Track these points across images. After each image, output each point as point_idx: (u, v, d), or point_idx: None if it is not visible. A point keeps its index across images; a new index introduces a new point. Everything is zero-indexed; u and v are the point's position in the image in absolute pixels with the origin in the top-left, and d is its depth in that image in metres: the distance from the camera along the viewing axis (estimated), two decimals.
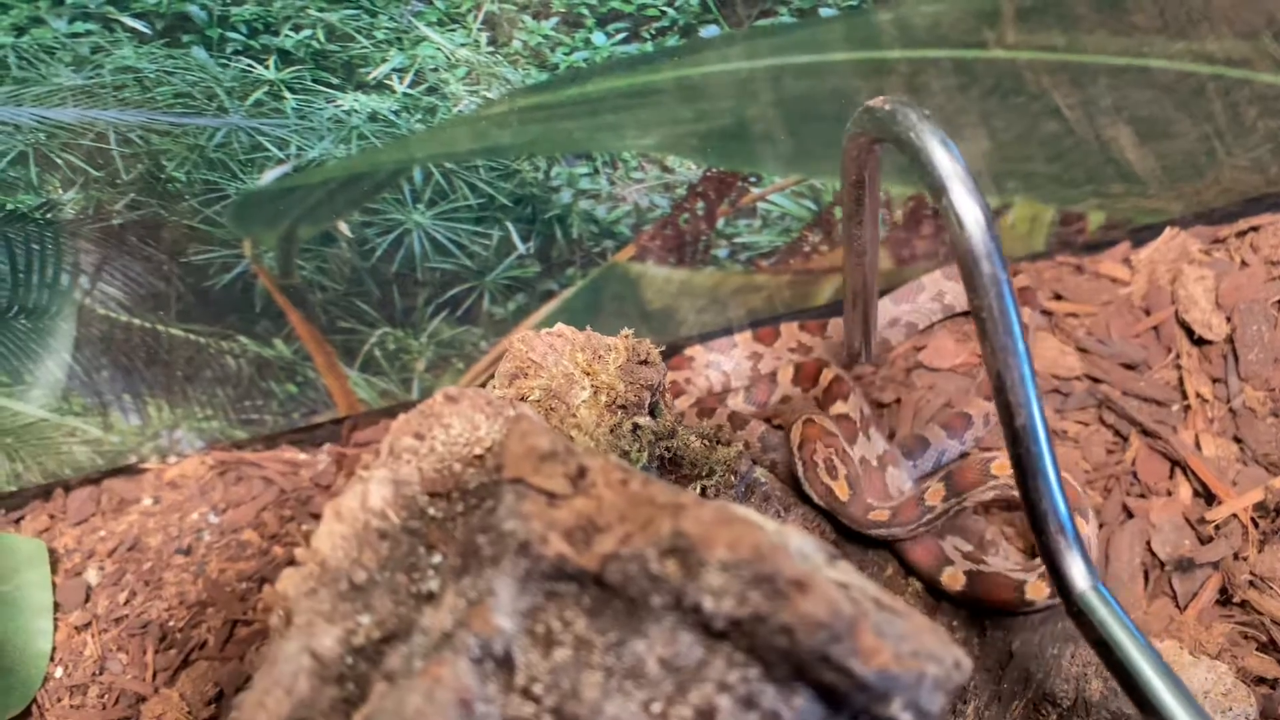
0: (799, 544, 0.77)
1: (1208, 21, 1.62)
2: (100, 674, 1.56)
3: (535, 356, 1.16)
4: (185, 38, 1.19)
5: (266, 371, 1.70)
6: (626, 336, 1.17)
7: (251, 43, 1.21)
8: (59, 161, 1.32)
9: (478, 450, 0.94)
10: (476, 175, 1.46)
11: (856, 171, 1.16)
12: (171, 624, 1.60)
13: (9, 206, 1.37)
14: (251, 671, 1.45)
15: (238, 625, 1.60)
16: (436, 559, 0.86)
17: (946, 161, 0.98)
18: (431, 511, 0.90)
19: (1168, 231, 1.73)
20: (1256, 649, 1.36)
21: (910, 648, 0.72)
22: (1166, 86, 1.67)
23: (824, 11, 1.35)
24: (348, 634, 0.82)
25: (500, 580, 0.75)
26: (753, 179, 1.57)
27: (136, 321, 1.59)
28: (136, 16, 1.15)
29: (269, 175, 1.40)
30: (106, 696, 1.54)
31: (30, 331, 1.58)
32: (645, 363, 1.17)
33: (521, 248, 1.59)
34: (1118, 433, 1.54)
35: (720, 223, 1.62)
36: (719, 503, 0.76)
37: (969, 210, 0.96)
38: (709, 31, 1.33)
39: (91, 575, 1.68)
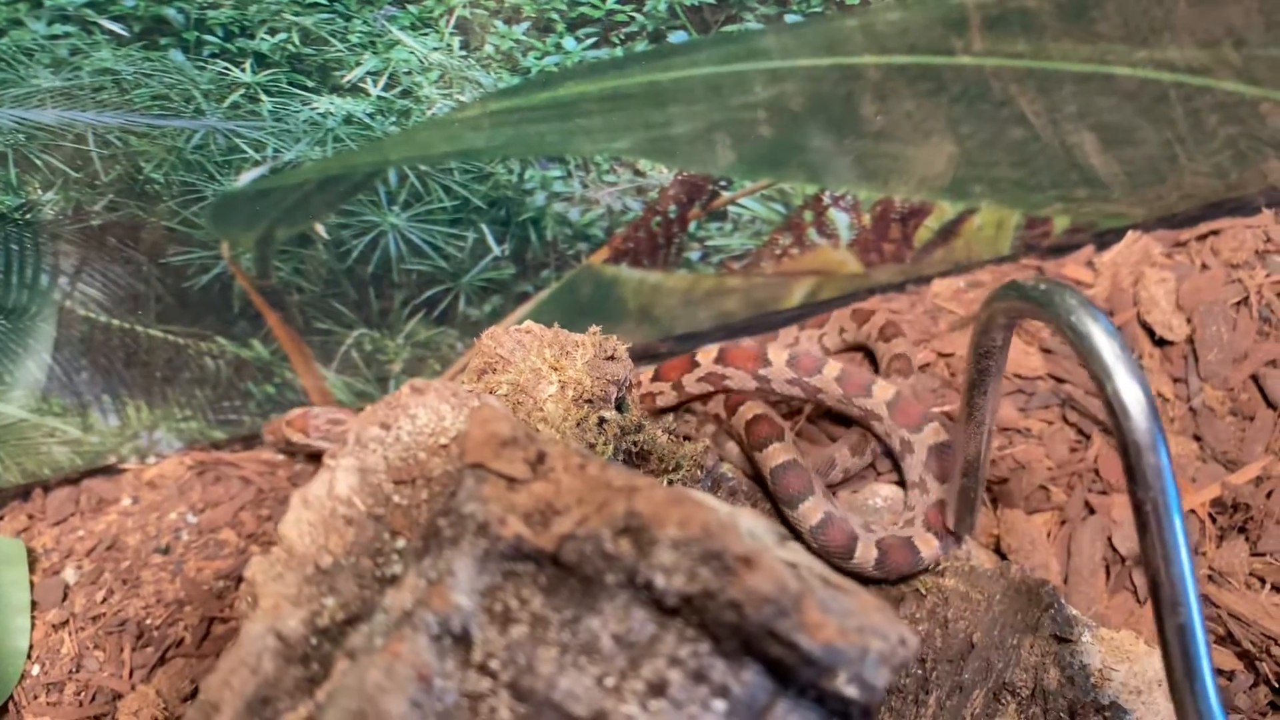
0: (749, 524, 0.79)
1: (1169, 30, 1.67)
2: (77, 671, 1.57)
3: (503, 352, 1.18)
4: (163, 40, 1.21)
5: (244, 372, 1.72)
6: (594, 333, 1.20)
7: (228, 46, 1.24)
8: (38, 163, 1.34)
9: (443, 440, 0.96)
10: (451, 178, 1.49)
11: (988, 343, 1.11)
12: (149, 622, 1.62)
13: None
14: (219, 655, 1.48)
15: (214, 623, 1.61)
16: (400, 544, 0.89)
17: (1110, 348, 0.92)
18: (396, 499, 0.92)
19: (1130, 235, 1.77)
20: (1214, 642, 1.39)
21: (855, 623, 0.74)
22: (1129, 94, 1.71)
23: (789, 18, 1.38)
24: (312, 616, 0.85)
25: (459, 560, 0.78)
26: (723, 183, 1.60)
27: (116, 322, 1.60)
28: (115, 19, 1.18)
29: (246, 177, 1.42)
30: (83, 694, 1.55)
31: (9, 332, 1.59)
32: (612, 358, 1.19)
33: (496, 250, 1.61)
34: (1080, 431, 1.57)
35: (692, 226, 1.65)
36: (674, 487, 0.78)
37: (1134, 399, 0.90)
38: (677, 37, 1.36)
39: (69, 574, 1.69)
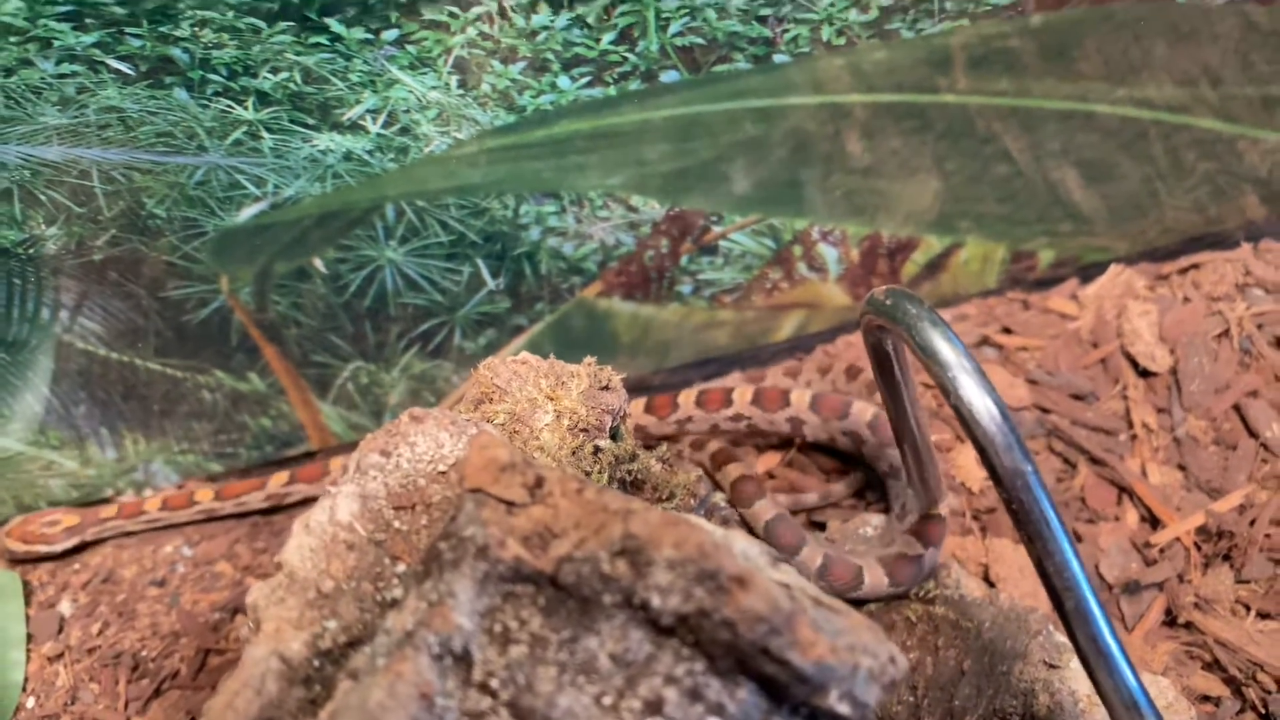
0: (743, 546, 0.81)
1: (1148, 70, 1.71)
2: (72, 704, 1.57)
3: (500, 382, 1.20)
4: (168, 79, 1.24)
5: (241, 405, 1.73)
6: (589, 364, 1.22)
7: (231, 84, 1.27)
8: (42, 198, 1.37)
9: (441, 467, 0.98)
10: (448, 213, 1.52)
11: (878, 356, 1.13)
12: (144, 654, 1.62)
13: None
14: (215, 687, 1.48)
15: (210, 654, 1.62)
16: (401, 568, 0.90)
17: (950, 355, 0.95)
18: (397, 524, 0.94)
19: (1113, 269, 1.80)
20: (1201, 668, 1.41)
21: (846, 642, 0.76)
22: (1110, 131, 1.75)
23: (778, 58, 1.42)
24: (314, 638, 0.86)
25: (460, 582, 0.79)
26: (714, 218, 1.64)
27: (115, 356, 1.62)
28: (122, 59, 1.21)
29: (246, 212, 1.45)
30: None
31: (9, 365, 1.61)
32: (607, 388, 1.22)
33: (491, 284, 1.64)
34: (1066, 460, 1.59)
35: (683, 260, 1.68)
36: (669, 512, 0.80)
37: (980, 404, 0.92)
38: (669, 76, 1.40)
39: (65, 607, 1.69)
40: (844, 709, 0.75)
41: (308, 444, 1.80)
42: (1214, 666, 1.40)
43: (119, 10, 1.16)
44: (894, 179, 1.69)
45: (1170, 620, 1.44)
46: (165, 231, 1.45)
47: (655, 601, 0.76)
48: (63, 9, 1.15)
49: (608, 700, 0.75)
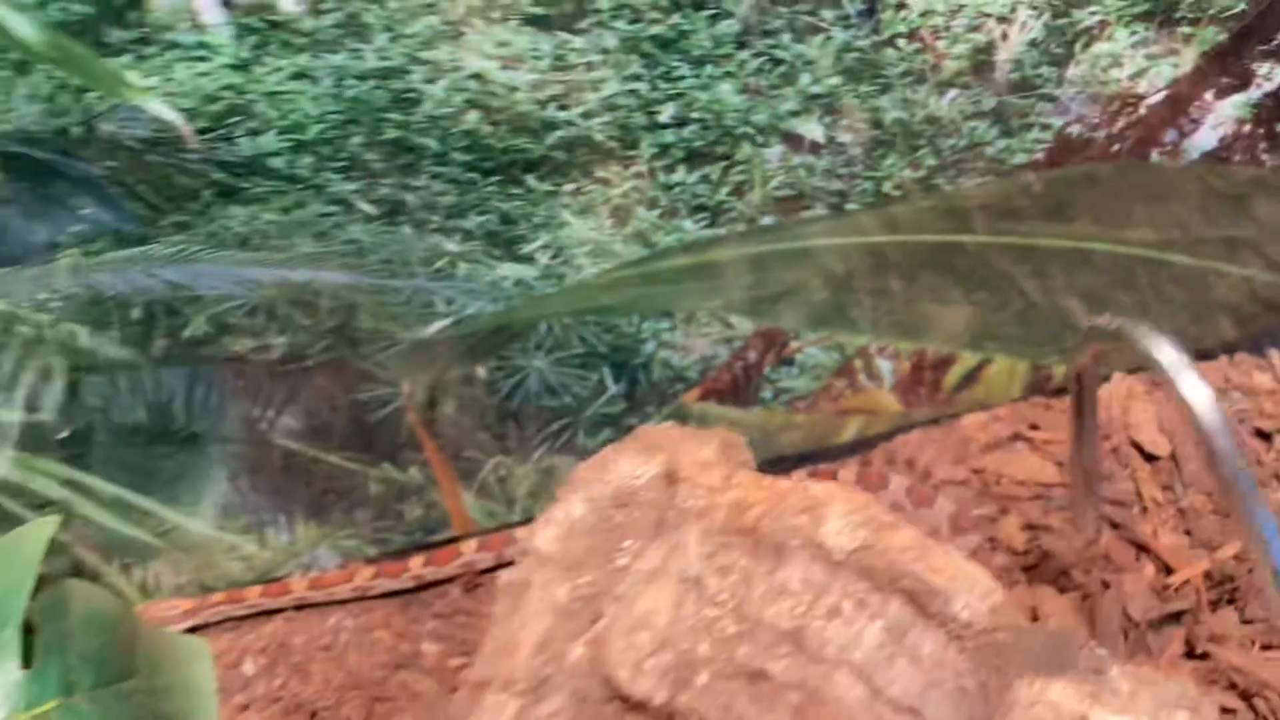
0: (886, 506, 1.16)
1: (1129, 220, 2.15)
2: None
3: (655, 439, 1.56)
4: (399, 218, 1.65)
5: (401, 495, 2.08)
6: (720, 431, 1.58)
7: (445, 223, 1.68)
8: (280, 313, 1.76)
9: (643, 480, 1.33)
10: (586, 329, 1.91)
11: (1079, 386, 1.51)
12: (320, 704, 1.90)
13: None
14: None
15: (377, 703, 1.89)
16: (627, 543, 1.24)
17: (1174, 357, 1.31)
18: (619, 517, 1.28)
19: (1117, 376, 2.19)
20: (1220, 689, 1.70)
21: (964, 570, 1.10)
22: (1104, 268, 2.18)
23: (849, 206, 1.85)
24: (574, 588, 1.19)
25: (687, 536, 1.13)
26: (792, 335, 2.03)
27: (305, 450, 1.98)
28: (371, 202, 1.62)
29: (433, 327, 1.84)
30: None
31: (216, 458, 1.96)
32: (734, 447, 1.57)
33: (613, 388, 2.01)
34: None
35: (766, 370, 2.07)
36: (834, 483, 1.16)
37: (1199, 396, 1.25)
38: (766, 220, 1.82)
39: (248, 667, 1.98)
40: (966, 615, 1.09)
41: (450, 530, 2.13)
42: (1231, 687, 1.70)
43: (378, 163, 1.58)
44: (933, 305, 2.09)
45: (1189, 652, 1.75)
46: (366, 342, 1.84)
47: (830, 542, 1.10)
48: (338, 164, 1.57)
49: (800, 610, 1.08)
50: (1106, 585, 1.83)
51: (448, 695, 1.86)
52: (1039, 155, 1.88)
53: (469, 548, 2.05)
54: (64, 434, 1.86)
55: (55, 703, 1.64)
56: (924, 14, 1.62)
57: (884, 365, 2.12)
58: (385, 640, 2.04)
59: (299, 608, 2.06)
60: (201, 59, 1.46)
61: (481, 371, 1.94)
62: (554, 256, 1.77)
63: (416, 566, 2.06)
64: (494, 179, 1.62)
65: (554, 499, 1.34)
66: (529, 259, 1.77)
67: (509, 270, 1.77)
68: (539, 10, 1.55)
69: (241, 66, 1.42)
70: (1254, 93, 2.10)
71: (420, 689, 1.90)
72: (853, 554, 1.09)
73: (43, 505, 1.96)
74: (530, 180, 1.64)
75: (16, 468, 1.88)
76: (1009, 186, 1.93)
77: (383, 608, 2.10)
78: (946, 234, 1.97)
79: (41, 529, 1.71)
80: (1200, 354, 2.25)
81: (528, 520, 1.99)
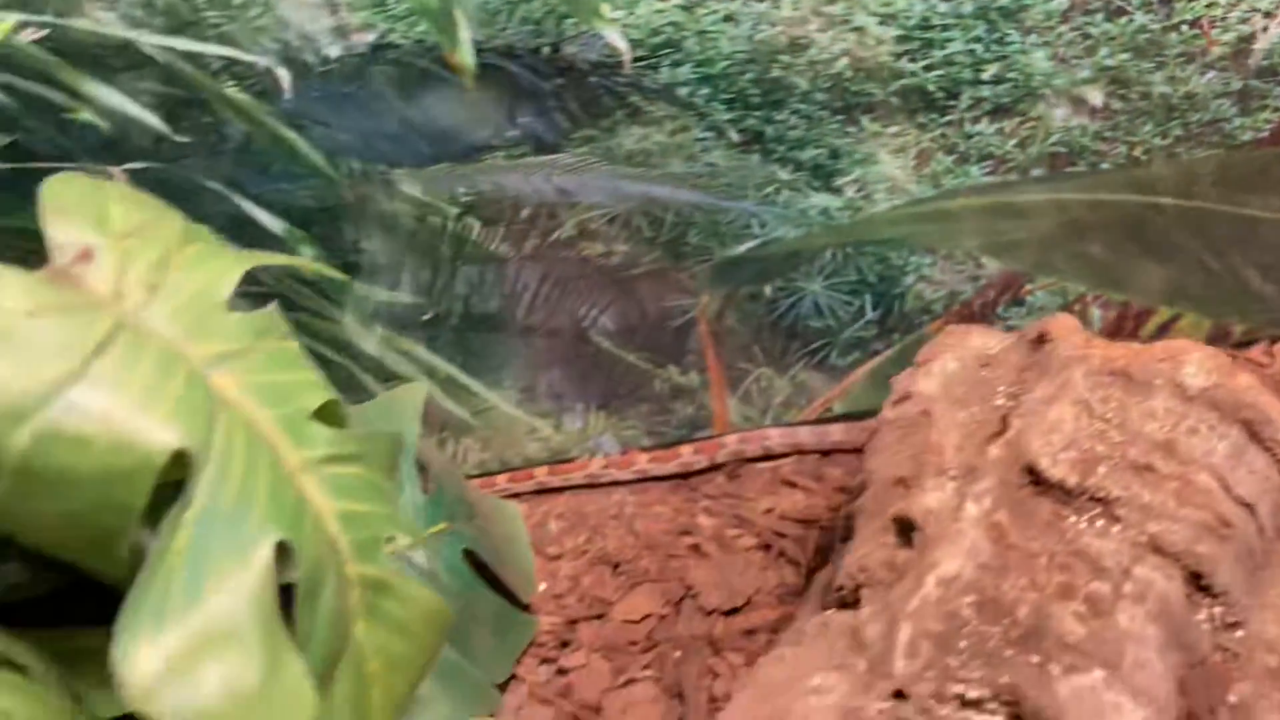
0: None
1: None
2: (574, 587, 2.20)
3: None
4: (754, 146, 2.02)
5: (677, 395, 2.44)
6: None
7: (786, 155, 2.05)
8: (633, 224, 2.13)
9: (994, 350, 1.69)
10: (863, 258, 2.27)
11: None
12: (620, 558, 2.25)
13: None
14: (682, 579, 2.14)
15: (670, 559, 2.25)
16: (1000, 387, 1.60)
17: None
18: (984, 373, 1.64)
19: None
20: None
21: None
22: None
23: (1102, 166, 2.21)
24: (970, 414, 1.55)
25: (1073, 373, 1.49)
26: (1028, 277, 2.39)
27: (609, 347, 2.34)
28: (739, 131, 1.99)
29: (742, 247, 2.21)
30: (581, 601, 2.17)
31: (542, 349, 2.32)
32: None
33: (870, 315, 2.38)
34: None
35: (1000, 309, 2.43)
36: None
37: None
38: (1036, 171, 2.18)
39: (552, 526, 2.34)
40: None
41: (712, 430, 2.49)
42: None
43: (756, 98, 1.95)
44: (1139, 260, 2.45)
45: None
46: (689, 257, 2.21)
47: (1187, 382, 1.46)
48: (727, 96, 1.94)
49: (1167, 429, 1.44)
50: None
51: (731, 557, 2.21)
52: (1264, 134, 2.23)
53: (731, 441, 2.41)
54: (428, 316, 2.23)
55: (445, 525, 2.02)
56: (1209, 4, 1.98)
57: (1095, 312, 2.48)
58: (665, 513, 2.38)
59: (591, 486, 2.42)
60: None
61: (768, 290, 2.30)
62: (858, 190, 2.14)
63: (687, 454, 2.42)
64: (838, 118, 1.99)
65: (908, 365, 1.71)
66: (838, 191, 2.13)
67: (819, 200, 2.13)
68: None
69: (688, 8, 1.78)
70: None
71: (707, 550, 2.25)
72: (1205, 391, 1.45)
73: (388, 379, 2.33)
74: (864, 120, 2.00)
75: (381, 344, 2.25)
76: (1235, 158, 2.29)
77: (657, 489, 2.45)
78: (1179, 199, 2.32)
79: (417, 390, 2.09)
80: None
81: (778, 423, 2.36)
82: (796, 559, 2.18)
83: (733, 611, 2.13)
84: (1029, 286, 2.40)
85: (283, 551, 1.21)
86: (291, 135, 1.84)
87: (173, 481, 1.17)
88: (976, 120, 2.05)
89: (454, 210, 2.02)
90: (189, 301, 1.34)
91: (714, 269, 2.23)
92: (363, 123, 1.85)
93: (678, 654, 2.06)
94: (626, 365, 2.37)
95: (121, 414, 1.17)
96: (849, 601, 1.45)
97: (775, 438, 2.37)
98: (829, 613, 1.46)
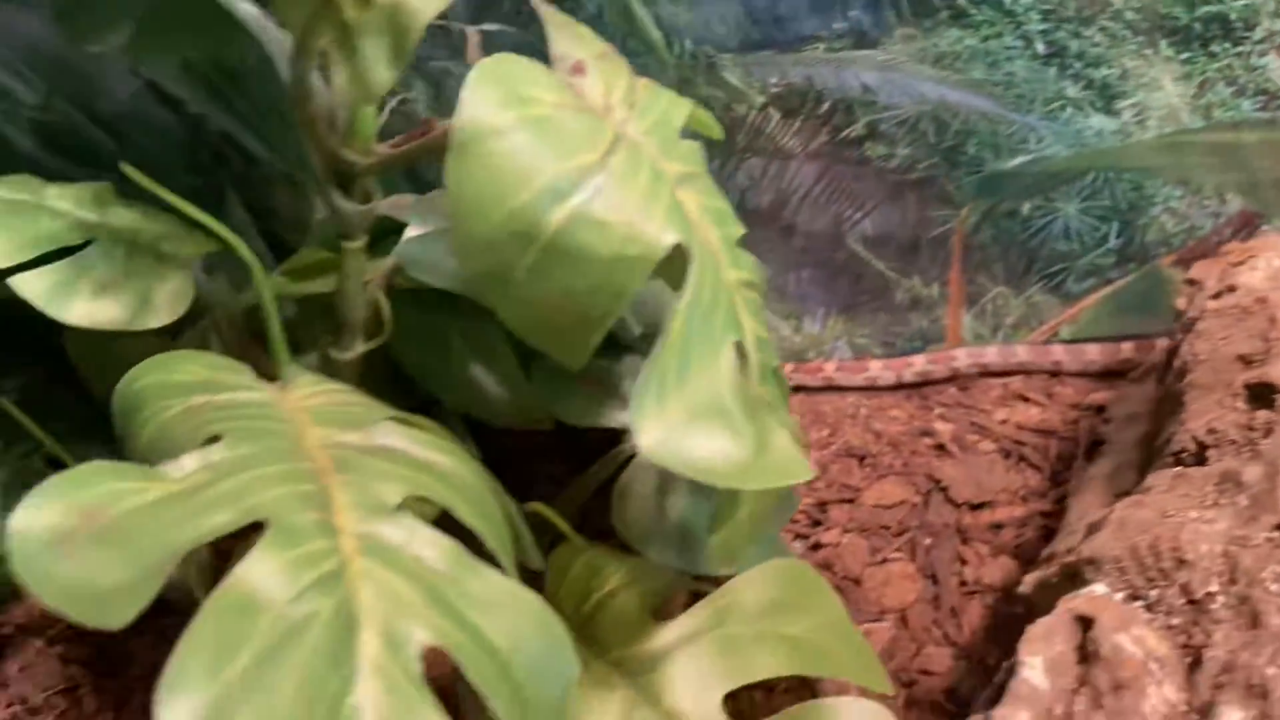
0: None
1: None
2: (823, 474, 2.30)
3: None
4: (1053, 60, 2.12)
5: (915, 305, 2.54)
6: None
7: (1081, 71, 2.14)
8: (920, 127, 2.22)
9: None
10: (1121, 184, 2.37)
11: None
12: (864, 451, 2.35)
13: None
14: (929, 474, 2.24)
15: (913, 455, 2.35)
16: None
17: None
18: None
19: None
20: None
21: None
22: None
23: None
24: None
25: None
26: (1263, 219, 2.48)
27: (864, 254, 2.44)
28: (1046, 43, 2.08)
29: (1013, 161, 2.30)
30: (830, 486, 2.28)
31: (796, 249, 2.42)
32: None
33: (1112, 242, 2.47)
34: None
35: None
36: None
37: None
38: None
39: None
40: None
41: (942, 345, 2.59)
42: None
43: (1069, 11, 2.04)
44: None
45: None
46: (962, 165, 2.30)
47: None
48: (1045, 7, 2.04)
49: None
50: None
51: (975, 457, 2.32)
52: None
53: (961, 354, 2.51)
54: None
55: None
56: None
57: None
58: (900, 417, 2.48)
59: (827, 388, 2.52)
60: None
61: (1026, 208, 2.40)
62: (1135, 115, 2.23)
63: (920, 363, 2.52)
64: (1139, 38, 2.08)
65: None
66: (1116, 114, 2.23)
67: (1096, 121, 2.23)
68: None
69: None
70: None
71: (951, 450, 2.35)
72: None
73: None
74: (1163, 44, 2.10)
75: None
76: None
77: (890, 396, 2.55)
78: None
79: None
80: None
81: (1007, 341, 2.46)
82: (1039, 465, 2.28)
83: (980, 506, 2.23)
84: (1266, 227, 2.49)
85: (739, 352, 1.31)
86: (641, 11, 1.94)
87: None
88: (1264, 54, 2.14)
89: (760, 99, 2.11)
90: (655, 125, 1.44)
91: (982, 180, 2.32)
92: (707, 3, 1.94)
93: (928, 540, 2.17)
94: (874, 273, 2.47)
95: (631, 207, 1.27)
96: (1191, 463, 1.55)
97: (1022, 354, 2.45)
98: (1177, 469, 1.56)
